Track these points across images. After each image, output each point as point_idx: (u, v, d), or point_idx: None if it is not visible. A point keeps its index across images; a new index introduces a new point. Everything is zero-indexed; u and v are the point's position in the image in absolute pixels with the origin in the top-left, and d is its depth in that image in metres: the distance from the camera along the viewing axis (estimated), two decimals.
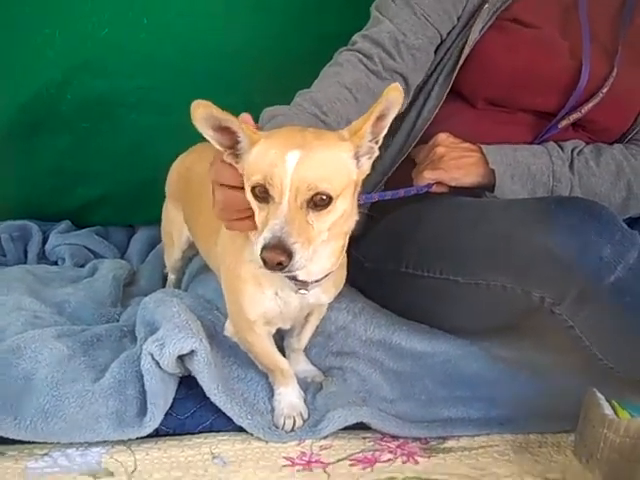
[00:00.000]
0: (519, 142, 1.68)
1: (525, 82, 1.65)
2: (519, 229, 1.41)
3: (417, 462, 1.33)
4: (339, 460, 1.32)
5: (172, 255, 1.95)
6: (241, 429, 1.39)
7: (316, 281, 1.27)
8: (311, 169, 1.08)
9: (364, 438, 1.40)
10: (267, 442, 1.37)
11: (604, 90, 1.63)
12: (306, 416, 1.43)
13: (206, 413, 1.42)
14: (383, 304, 1.76)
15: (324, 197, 1.09)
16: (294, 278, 1.25)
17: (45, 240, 2.34)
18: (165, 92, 2.18)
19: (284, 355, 1.52)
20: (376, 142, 1.19)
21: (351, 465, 1.31)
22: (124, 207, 2.44)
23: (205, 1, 2.14)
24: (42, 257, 2.30)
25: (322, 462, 1.31)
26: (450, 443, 1.41)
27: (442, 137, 1.68)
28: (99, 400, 1.36)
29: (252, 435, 1.38)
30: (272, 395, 1.46)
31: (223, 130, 1.15)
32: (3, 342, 1.47)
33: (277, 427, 1.40)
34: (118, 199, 2.42)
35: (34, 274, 2.00)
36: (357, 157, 1.17)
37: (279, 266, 1.07)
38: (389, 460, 1.33)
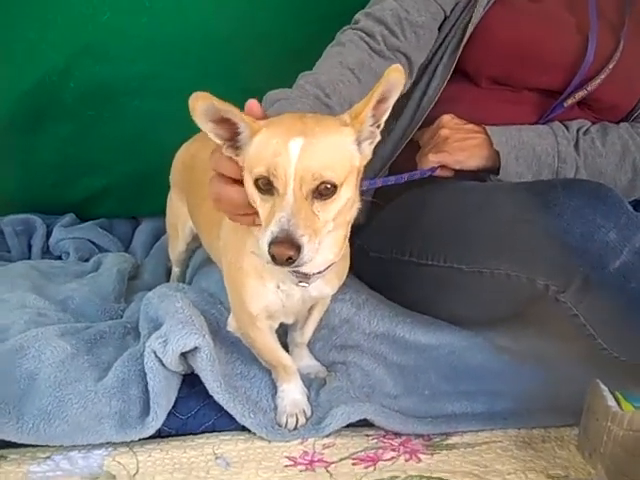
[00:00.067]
0: (524, 122, 1.67)
1: (530, 59, 1.63)
2: (524, 214, 1.39)
3: (420, 460, 1.32)
4: (342, 459, 1.32)
5: (176, 248, 1.94)
6: (244, 428, 1.38)
7: (318, 273, 1.25)
8: (315, 157, 1.06)
9: (367, 435, 1.40)
10: (270, 442, 1.37)
11: (610, 66, 1.62)
12: (309, 414, 1.42)
13: (209, 412, 1.41)
14: (387, 294, 1.75)
15: (329, 186, 1.07)
16: (296, 271, 1.22)
17: (49, 234, 2.35)
18: (168, 77, 2.16)
19: (287, 351, 1.52)
20: (378, 126, 1.17)
21: (354, 464, 1.30)
22: (128, 198, 2.44)
23: None
24: (46, 251, 2.31)
25: (325, 461, 1.31)
26: (453, 439, 1.40)
27: (446, 119, 1.67)
28: (102, 400, 1.36)
29: (255, 434, 1.37)
30: (275, 392, 1.45)
31: (223, 122, 1.12)
32: (6, 341, 1.47)
33: (280, 426, 1.39)
34: (122, 190, 2.41)
35: (38, 270, 2.01)
36: (359, 142, 1.15)
37: (289, 261, 1.05)
38: (392, 458, 1.32)
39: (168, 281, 2.06)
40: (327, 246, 1.19)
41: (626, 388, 1.30)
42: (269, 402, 1.45)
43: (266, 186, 1.08)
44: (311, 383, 1.51)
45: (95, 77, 2.17)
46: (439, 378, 1.55)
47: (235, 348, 1.54)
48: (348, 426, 1.39)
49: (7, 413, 1.31)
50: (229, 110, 1.10)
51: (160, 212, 2.03)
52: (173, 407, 1.40)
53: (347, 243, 1.30)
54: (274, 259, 1.06)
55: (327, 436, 1.38)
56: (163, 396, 1.36)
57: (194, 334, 1.38)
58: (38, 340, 1.45)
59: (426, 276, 1.61)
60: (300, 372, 1.49)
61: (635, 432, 1.15)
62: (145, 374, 1.38)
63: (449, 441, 1.39)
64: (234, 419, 1.38)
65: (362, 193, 1.24)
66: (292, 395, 1.43)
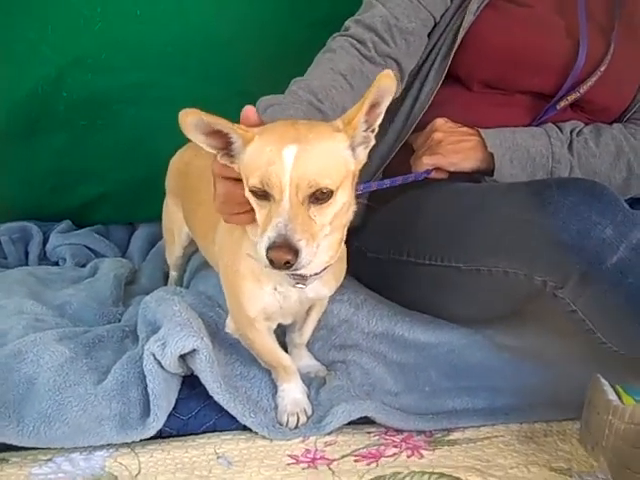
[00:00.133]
0: (517, 124, 1.68)
1: (521, 62, 1.64)
2: (519, 213, 1.39)
3: (422, 456, 1.32)
4: (344, 456, 1.32)
5: (173, 252, 1.95)
6: (245, 428, 1.38)
7: (315, 275, 1.25)
8: (310, 164, 1.07)
9: (368, 433, 1.40)
10: (271, 440, 1.36)
11: (602, 68, 1.63)
12: (310, 412, 1.42)
13: (209, 413, 1.41)
14: (386, 294, 1.75)
15: (325, 191, 1.08)
16: (293, 273, 1.22)
17: (46, 240, 2.34)
18: (161, 85, 2.17)
19: (286, 351, 1.52)
20: (372, 131, 1.18)
21: (356, 461, 1.30)
22: (124, 205, 2.43)
23: None
24: (43, 258, 2.30)
25: (327, 459, 1.31)
26: (455, 435, 1.40)
27: (440, 122, 1.68)
28: (102, 403, 1.35)
29: (256, 434, 1.37)
30: (275, 392, 1.45)
31: (215, 133, 1.13)
32: (5, 347, 1.46)
33: (281, 424, 1.39)
34: (118, 197, 2.41)
35: (35, 276, 2.00)
36: (353, 147, 1.15)
37: (286, 265, 1.06)
38: (394, 455, 1.32)
39: (165, 285, 2.06)
40: (323, 249, 1.19)
41: (626, 381, 1.30)
42: (269, 401, 1.44)
43: (262, 192, 1.09)
44: (311, 382, 1.51)
45: (88, 87, 2.17)
46: (439, 376, 1.55)
47: (234, 349, 1.54)
48: (349, 424, 1.39)
49: (7, 417, 1.31)
50: (218, 123, 1.11)
51: (156, 218, 2.04)
52: (174, 408, 1.40)
53: (343, 245, 1.31)
54: (272, 263, 1.07)
55: (328, 434, 1.38)
56: (163, 398, 1.36)
57: (192, 336, 1.38)
58: (36, 345, 1.45)
59: (424, 276, 1.61)
60: (300, 372, 1.48)
61: (636, 425, 1.15)
62: (144, 377, 1.37)
63: (451, 437, 1.39)
64: (235, 419, 1.37)
65: (357, 196, 1.25)
66: (293, 394, 1.43)
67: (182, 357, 1.39)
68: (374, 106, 1.13)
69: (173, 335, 1.38)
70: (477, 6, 1.61)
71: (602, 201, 1.31)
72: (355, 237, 1.52)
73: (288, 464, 1.30)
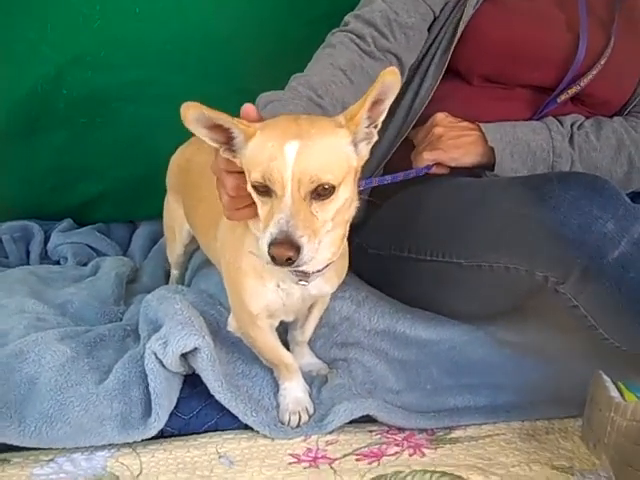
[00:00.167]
0: (517, 118, 1.68)
1: (521, 56, 1.64)
2: (520, 208, 1.39)
3: (424, 454, 1.31)
4: (345, 455, 1.31)
5: (174, 250, 1.94)
6: (247, 427, 1.38)
7: (317, 271, 1.25)
8: (312, 160, 1.06)
9: (370, 431, 1.40)
10: (273, 439, 1.36)
11: (602, 62, 1.63)
12: (312, 411, 1.42)
13: (211, 412, 1.41)
14: (387, 291, 1.75)
15: (327, 187, 1.08)
16: (295, 269, 1.22)
17: (47, 239, 2.34)
18: (161, 82, 2.17)
19: (288, 349, 1.51)
20: (375, 126, 1.17)
21: (357, 460, 1.30)
22: (125, 203, 2.43)
23: None
24: (44, 257, 2.31)
25: (328, 458, 1.31)
26: (457, 433, 1.40)
27: (440, 117, 1.67)
28: (104, 402, 1.35)
29: (258, 433, 1.37)
30: (277, 390, 1.45)
31: (216, 127, 1.13)
32: (6, 346, 1.46)
33: (283, 423, 1.39)
34: (118, 195, 2.41)
35: (36, 275, 2.00)
36: (355, 143, 1.15)
37: (288, 262, 1.06)
38: (396, 453, 1.32)
39: (167, 284, 2.05)
40: (326, 245, 1.19)
41: (629, 378, 1.29)
42: (271, 400, 1.44)
43: (264, 189, 1.09)
44: (313, 381, 1.51)
45: (88, 84, 2.17)
46: (441, 373, 1.55)
47: (236, 348, 1.53)
48: (351, 422, 1.39)
49: (9, 417, 1.30)
50: (220, 117, 1.11)
51: (157, 215, 2.04)
52: (175, 407, 1.40)
53: (345, 242, 1.31)
54: (274, 260, 1.06)
55: (330, 433, 1.38)
56: (164, 397, 1.35)
57: (194, 335, 1.38)
58: (38, 344, 1.45)
59: (425, 272, 1.61)
60: (301, 370, 1.48)
61: (638, 422, 1.15)
62: (146, 376, 1.37)
63: (452, 435, 1.39)
64: (237, 418, 1.37)
65: (360, 192, 1.24)
66: (294, 393, 1.43)
67: (183, 356, 1.38)
68: (377, 102, 1.13)
69: (174, 334, 1.38)
70: (477, 0, 1.61)
71: (603, 195, 1.31)
72: (356, 233, 1.52)
73: (290, 463, 1.29)
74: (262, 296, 1.33)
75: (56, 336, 1.51)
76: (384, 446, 1.34)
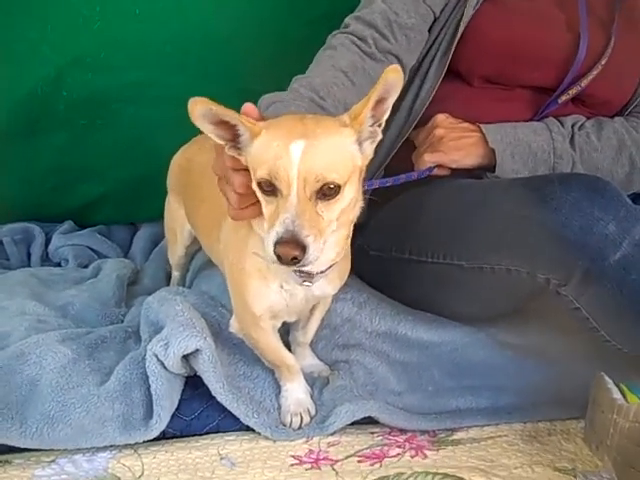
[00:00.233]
0: (518, 119, 1.67)
1: (522, 56, 1.64)
2: (522, 209, 1.39)
3: (426, 456, 1.31)
4: (347, 457, 1.31)
5: (176, 252, 1.94)
6: (248, 428, 1.38)
7: (321, 272, 1.25)
8: (317, 159, 1.06)
9: (372, 433, 1.39)
10: (274, 441, 1.36)
11: (602, 62, 1.63)
12: (313, 412, 1.42)
13: (212, 413, 1.41)
14: (388, 293, 1.75)
15: (332, 186, 1.08)
16: (299, 270, 1.22)
17: (48, 241, 2.34)
18: (161, 83, 2.17)
19: (290, 350, 1.51)
20: (379, 125, 1.17)
21: (359, 461, 1.30)
22: (125, 204, 2.43)
23: None
24: (45, 259, 2.31)
25: (330, 459, 1.30)
26: (459, 435, 1.40)
27: (441, 118, 1.67)
28: (105, 404, 1.35)
29: (259, 434, 1.37)
30: (279, 392, 1.45)
31: (223, 124, 1.13)
32: (7, 348, 1.46)
33: (284, 425, 1.39)
34: (120, 196, 2.41)
35: (37, 277, 2.00)
36: (359, 142, 1.15)
37: (294, 261, 1.06)
38: (397, 455, 1.32)
39: (168, 285, 2.05)
40: (330, 245, 1.19)
41: (631, 380, 1.29)
42: (273, 402, 1.44)
43: (269, 187, 1.09)
44: (314, 382, 1.51)
45: (88, 86, 2.17)
46: (442, 375, 1.54)
47: (237, 349, 1.53)
48: (353, 424, 1.39)
49: (10, 418, 1.30)
50: (227, 114, 1.11)
51: (158, 217, 2.04)
52: (177, 409, 1.39)
53: (349, 243, 1.31)
54: (279, 259, 1.06)
55: (332, 434, 1.37)
56: (166, 398, 1.35)
57: (195, 336, 1.38)
58: (39, 346, 1.45)
59: (426, 274, 1.61)
60: (303, 371, 1.48)
61: None
62: (147, 377, 1.37)
63: (454, 437, 1.39)
64: (238, 419, 1.37)
65: (363, 193, 1.24)
66: (296, 394, 1.43)
67: (185, 357, 1.38)
68: (381, 101, 1.13)
69: (176, 335, 1.38)
70: (477, 0, 1.61)
71: (605, 197, 1.31)
72: (357, 235, 1.52)
73: (291, 465, 1.29)
74: (265, 297, 1.33)
75: (57, 338, 1.51)
76: (386, 448, 1.34)
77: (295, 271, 1.23)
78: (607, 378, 1.27)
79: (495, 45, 1.63)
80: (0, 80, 2.17)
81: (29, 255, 2.30)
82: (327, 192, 1.08)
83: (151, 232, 2.42)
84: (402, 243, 1.65)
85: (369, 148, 1.17)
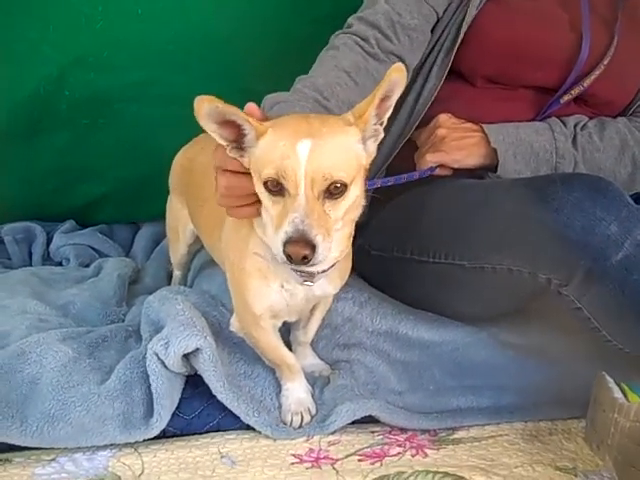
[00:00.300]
0: (521, 119, 1.67)
1: (524, 56, 1.64)
2: (523, 209, 1.39)
3: (426, 455, 1.31)
4: (348, 456, 1.31)
5: (178, 251, 1.94)
6: (249, 427, 1.38)
7: (323, 271, 1.25)
8: (324, 158, 1.07)
9: (372, 432, 1.39)
10: (275, 440, 1.36)
11: (605, 62, 1.62)
12: (314, 411, 1.42)
13: (213, 412, 1.41)
14: (390, 292, 1.75)
15: (339, 185, 1.08)
16: (301, 270, 1.22)
17: (49, 241, 2.35)
18: (163, 83, 2.17)
19: (291, 350, 1.51)
20: (381, 123, 1.18)
21: (360, 460, 1.29)
22: (127, 204, 2.43)
23: None
24: (47, 258, 2.31)
25: (331, 458, 1.30)
26: (459, 434, 1.39)
27: (443, 118, 1.67)
28: (105, 402, 1.35)
29: (260, 433, 1.37)
30: (279, 391, 1.45)
31: (227, 124, 1.13)
32: (8, 347, 1.46)
33: (285, 424, 1.39)
34: (120, 196, 2.41)
35: (38, 276, 2.00)
36: (364, 141, 1.16)
37: (304, 260, 1.06)
38: (398, 454, 1.31)
39: (169, 284, 2.06)
40: (334, 244, 1.18)
41: (632, 379, 1.29)
42: (273, 401, 1.44)
43: (276, 187, 1.09)
44: (315, 381, 1.51)
45: (90, 85, 2.17)
46: (443, 374, 1.54)
47: (238, 349, 1.53)
48: (353, 423, 1.38)
49: (10, 417, 1.30)
50: (234, 112, 1.11)
51: (160, 216, 2.04)
52: (177, 408, 1.39)
53: (351, 241, 1.30)
54: (290, 258, 1.06)
55: (332, 433, 1.37)
56: (166, 397, 1.35)
57: (195, 335, 1.38)
58: (39, 345, 1.45)
59: (428, 273, 1.60)
60: (304, 370, 1.48)
61: None
62: (148, 376, 1.37)
63: (455, 436, 1.39)
64: (238, 418, 1.37)
65: (366, 191, 1.24)
66: (296, 393, 1.43)
67: (185, 356, 1.38)
68: (384, 99, 1.14)
69: (176, 334, 1.38)
70: (480, 0, 1.61)
71: (607, 197, 1.30)
72: (359, 234, 1.52)
73: (292, 463, 1.29)
74: (266, 296, 1.33)
75: (58, 337, 1.51)
76: (386, 447, 1.34)
77: (296, 271, 1.23)
78: (608, 377, 1.27)
79: (498, 45, 1.63)
80: (2, 80, 2.17)
81: (30, 254, 2.30)
82: (334, 191, 1.08)
83: (152, 231, 2.43)
84: (404, 243, 1.65)
85: (372, 146, 1.18)
